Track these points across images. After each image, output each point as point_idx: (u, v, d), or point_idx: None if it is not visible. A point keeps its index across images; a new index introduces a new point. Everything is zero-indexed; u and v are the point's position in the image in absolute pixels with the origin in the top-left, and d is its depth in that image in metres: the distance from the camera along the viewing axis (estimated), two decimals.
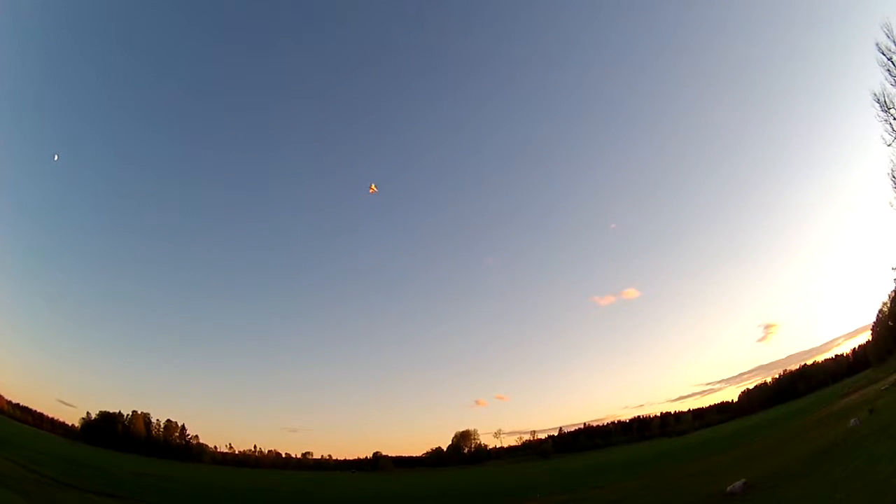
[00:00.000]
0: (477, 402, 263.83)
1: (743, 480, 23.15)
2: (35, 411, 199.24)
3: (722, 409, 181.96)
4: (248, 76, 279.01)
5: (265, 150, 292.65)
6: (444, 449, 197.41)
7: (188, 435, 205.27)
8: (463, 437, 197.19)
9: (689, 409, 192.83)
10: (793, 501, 18.21)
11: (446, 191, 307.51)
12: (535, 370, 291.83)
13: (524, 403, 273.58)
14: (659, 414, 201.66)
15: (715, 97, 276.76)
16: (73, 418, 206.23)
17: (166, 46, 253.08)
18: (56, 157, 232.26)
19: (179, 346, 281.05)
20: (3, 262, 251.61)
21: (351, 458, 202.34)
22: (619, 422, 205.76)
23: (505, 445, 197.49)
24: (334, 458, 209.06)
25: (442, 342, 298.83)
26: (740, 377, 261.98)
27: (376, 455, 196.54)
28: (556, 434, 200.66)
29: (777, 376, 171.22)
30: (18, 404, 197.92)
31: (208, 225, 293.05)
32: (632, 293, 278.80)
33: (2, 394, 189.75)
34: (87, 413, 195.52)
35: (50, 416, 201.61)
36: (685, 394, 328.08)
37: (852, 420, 36.98)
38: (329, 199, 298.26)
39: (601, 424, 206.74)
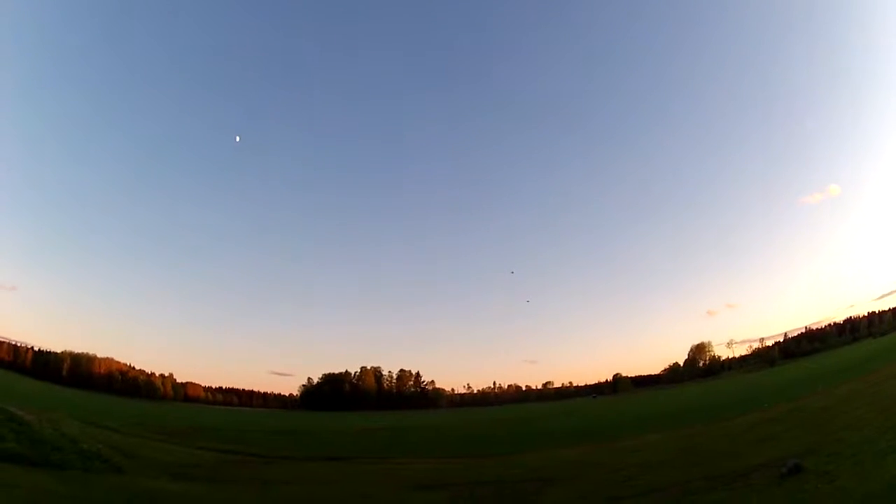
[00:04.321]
0: (708, 312, 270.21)
1: None
2: (243, 390, 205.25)
3: None
4: None
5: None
6: (681, 364, 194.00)
7: (423, 382, 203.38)
8: (698, 350, 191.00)
9: (890, 308, 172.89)
10: None
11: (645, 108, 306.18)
12: (760, 275, 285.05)
13: (752, 310, 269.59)
14: (866, 314, 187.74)
15: None
16: (290, 387, 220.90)
17: None
18: (238, 139, 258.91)
19: (407, 297, 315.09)
20: (204, 247, 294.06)
21: (591, 382, 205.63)
22: (834, 324, 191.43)
23: (736, 355, 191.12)
24: (574, 384, 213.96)
25: (670, 253, 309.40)
26: None
27: (616, 377, 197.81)
28: (781, 340, 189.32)
29: None
30: (221, 388, 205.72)
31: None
32: (835, 190, 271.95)
33: (198, 382, 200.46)
34: (308, 379, 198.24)
35: (262, 391, 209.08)
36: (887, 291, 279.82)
37: None
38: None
39: (819, 328, 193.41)
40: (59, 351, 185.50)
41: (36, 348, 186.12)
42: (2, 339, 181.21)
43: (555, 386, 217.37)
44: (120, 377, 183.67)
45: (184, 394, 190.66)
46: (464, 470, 28.11)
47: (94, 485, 18.06)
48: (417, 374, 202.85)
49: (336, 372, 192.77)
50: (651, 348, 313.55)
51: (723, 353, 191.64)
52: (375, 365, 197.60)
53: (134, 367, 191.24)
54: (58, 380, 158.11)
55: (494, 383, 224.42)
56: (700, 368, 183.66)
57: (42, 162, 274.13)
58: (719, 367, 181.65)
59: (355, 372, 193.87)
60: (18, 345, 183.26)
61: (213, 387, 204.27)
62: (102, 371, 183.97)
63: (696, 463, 21.75)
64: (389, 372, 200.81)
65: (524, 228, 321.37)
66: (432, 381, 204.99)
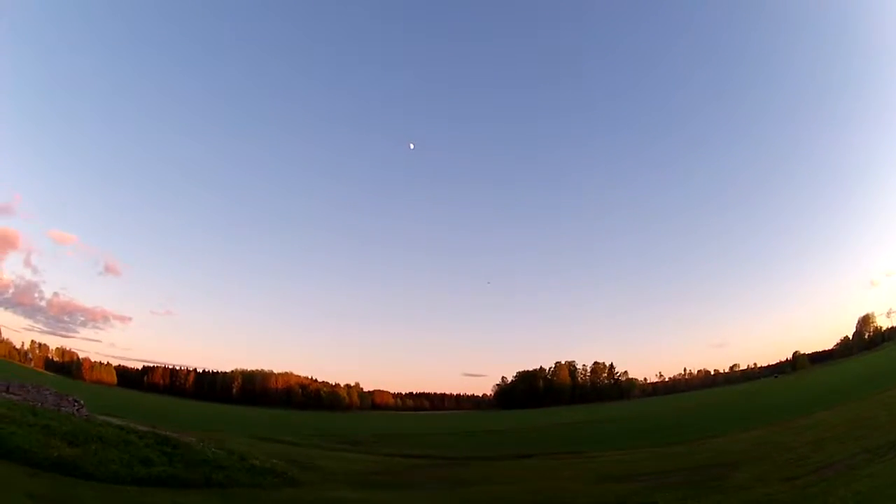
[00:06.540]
0: (871, 283, 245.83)
1: None
2: (434, 394, 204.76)
3: None
4: None
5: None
6: (850, 337, 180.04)
7: (616, 373, 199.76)
8: (864, 322, 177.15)
9: None
10: None
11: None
12: None
13: None
14: None
15: None
16: (484, 388, 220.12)
17: None
18: (412, 146, 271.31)
19: (601, 289, 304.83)
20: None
21: (773, 362, 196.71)
22: None
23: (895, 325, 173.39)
24: (758, 365, 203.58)
25: (837, 222, 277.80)
26: None
27: (795, 355, 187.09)
28: None
29: None
30: (411, 393, 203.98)
31: None
32: None
33: (386, 390, 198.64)
34: (502, 378, 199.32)
35: (454, 393, 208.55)
36: None
37: None
38: None
39: None
40: (228, 371, 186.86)
41: (199, 370, 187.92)
42: (156, 364, 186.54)
43: (741, 368, 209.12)
44: (300, 391, 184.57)
45: (371, 402, 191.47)
46: (654, 459, 28.99)
47: (263, 500, 17.97)
48: (611, 365, 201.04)
49: (530, 369, 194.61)
50: (826, 322, 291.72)
51: (885, 323, 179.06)
52: (569, 359, 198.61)
53: (316, 380, 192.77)
54: (227, 399, 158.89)
55: (685, 369, 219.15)
56: (866, 340, 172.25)
57: (198, 179, 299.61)
58: (881, 339, 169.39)
59: (549, 367, 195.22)
60: (178, 368, 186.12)
61: (403, 393, 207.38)
62: (280, 386, 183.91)
63: (859, 437, 22.45)
64: (584, 365, 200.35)
65: (710, 212, 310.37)
66: (625, 372, 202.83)
